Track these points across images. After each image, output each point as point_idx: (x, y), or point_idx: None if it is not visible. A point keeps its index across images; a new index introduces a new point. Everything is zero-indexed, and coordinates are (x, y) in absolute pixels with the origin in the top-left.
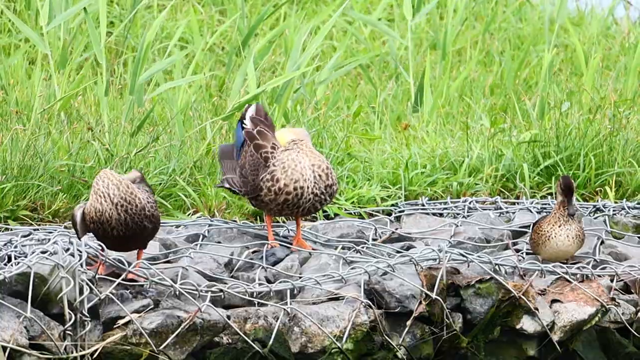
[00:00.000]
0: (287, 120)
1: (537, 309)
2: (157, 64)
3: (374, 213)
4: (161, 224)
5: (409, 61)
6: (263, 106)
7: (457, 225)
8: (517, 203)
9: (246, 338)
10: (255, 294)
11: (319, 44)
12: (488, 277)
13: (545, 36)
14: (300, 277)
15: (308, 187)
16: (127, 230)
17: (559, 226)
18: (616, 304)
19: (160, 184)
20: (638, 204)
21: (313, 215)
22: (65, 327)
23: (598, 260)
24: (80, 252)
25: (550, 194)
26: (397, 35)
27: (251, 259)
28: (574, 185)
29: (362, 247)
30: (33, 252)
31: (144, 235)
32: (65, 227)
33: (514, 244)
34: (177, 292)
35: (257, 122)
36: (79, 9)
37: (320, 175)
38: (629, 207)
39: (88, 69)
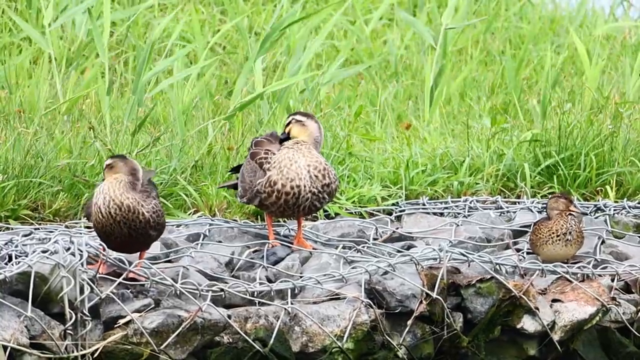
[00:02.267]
0: None
1: (537, 308)
2: (160, 64)
3: (374, 212)
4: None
5: (432, 63)
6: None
7: (458, 225)
8: (518, 202)
9: (247, 337)
10: (256, 293)
11: (320, 43)
12: (489, 276)
13: (546, 36)
14: (301, 277)
15: (305, 186)
16: (131, 239)
17: (557, 235)
18: (617, 303)
19: (161, 183)
20: (639, 203)
21: (314, 214)
22: (66, 326)
23: (599, 260)
24: (81, 251)
25: (552, 193)
26: (430, 37)
27: (252, 258)
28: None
29: (363, 247)
30: (34, 252)
31: (148, 241)
32: (66, 227)
33: (515, 243)
34: (178, 292)
35: (259, 138)
36: (83, 9)
37: (316, 175)
38: (629, 207)
39: (92, 69)
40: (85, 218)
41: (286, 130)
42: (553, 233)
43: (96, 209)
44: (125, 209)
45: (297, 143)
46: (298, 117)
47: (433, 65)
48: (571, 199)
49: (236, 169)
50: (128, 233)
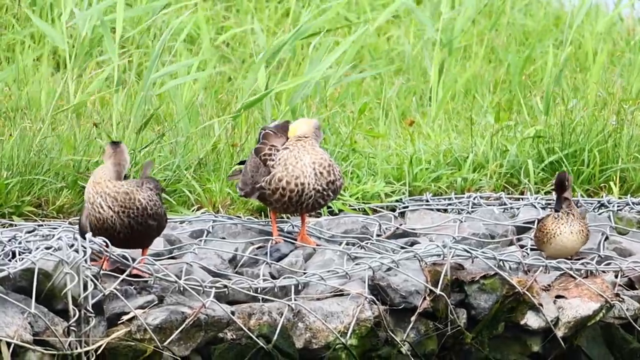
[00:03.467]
0: (294, 117)
1: (541, 304)
2: (170, 66)
3: (378, 209)
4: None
5: (434, 57)
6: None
7: (462, 221)
8: (522, 199)
9: (250, 334)
10: (259, 289)
11: (340, 53)
12: (492, 272)
13: (551, 33)
14: (304, 273)
15: (309, 184)
16: (133, 232)
17: (563, 224)
18: (620, 299)
19: (165, 179)
20: None
21: (318, 211)
22: (70, 323)
23: (602, 256)
24: (85, 248)
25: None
26: (432, 29)
27: (255, 254)
28: (567, 180)
29: (367, 243)
30: (37, 248)
31: (150, 233)
32: (70, 223)
33: (519, 239)
34: (182, 288)
35: (267, 129)
36: (104, 7)
37: (321, 172)
38: (633, 203)
39: (105, 68)
40: (80, 234)
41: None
42: (555, 226)
43: (93, 207)
44: (122, 196)
45: (300, 140)
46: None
47: (434, 59)
48: (559, 194)
49: (243, 162)
50: (129, 224)
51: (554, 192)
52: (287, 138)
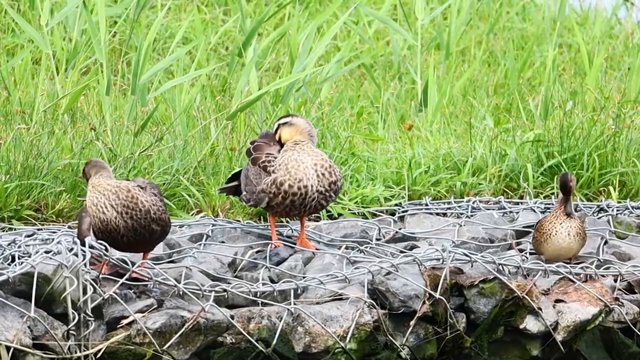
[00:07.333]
0: None
1: (540, 308)
2: (159, 63)
3: (377, 213)
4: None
5: (417, 61)
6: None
7: (461, 225)
8: (521, 203)
9: (250, 338)
10: (258, 293)
11: (325, 45)
12: (492, 277)
13: (547, 36)
14: (303, 277)
15: (312, 186)
16: (137, 236)
17: (560, 224)
18: (620, 303)
19: (163, 183)
20: None
21: (317, 215)
22: (69, 326)
23: (602, 260)
24: (84, 251)
25: (554, 193)
26: (406, 33)
27: (255, 258)
28: (573, 182)
29: (366, 247)
30: (37, 252)
31: (153, 238)
32: (69, 227)
33: (518, 243)
34: (181, 292)
35: (256, 141)
36: (76, 4)
37: (323, 174)
38: (632, 207)
39: (92, 69)
40: (79, 239)
41: (277, 137)
42: (552, 226)
43: (97, 208)
44: (124, 193)
45: (297, 144)
46: (283, 120)
47: (418, 63)
48: (566, 196)
49: (232, 179)
50: (132, 226)
51: (558, 195)
52: (276, 143)
